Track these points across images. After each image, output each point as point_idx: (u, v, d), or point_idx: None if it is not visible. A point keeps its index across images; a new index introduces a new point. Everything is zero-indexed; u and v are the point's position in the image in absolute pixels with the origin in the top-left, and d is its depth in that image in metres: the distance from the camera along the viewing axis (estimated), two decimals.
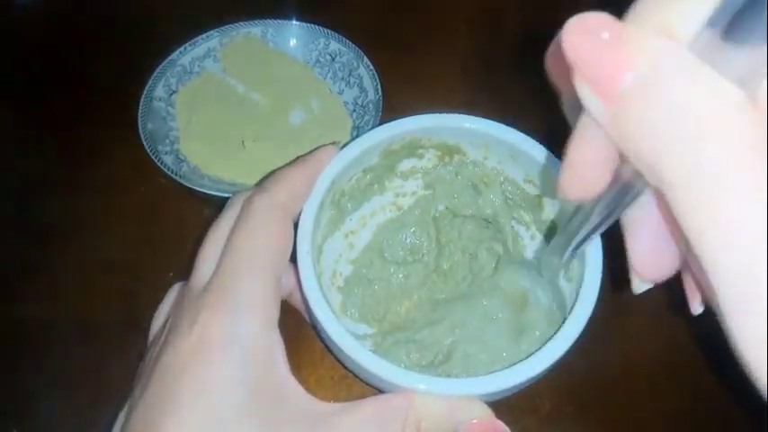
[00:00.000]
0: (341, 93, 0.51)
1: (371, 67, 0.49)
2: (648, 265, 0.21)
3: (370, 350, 0.27)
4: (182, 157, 0.46)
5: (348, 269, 0.39)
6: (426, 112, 0.35)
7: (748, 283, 0.14)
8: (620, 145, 0.16)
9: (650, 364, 0.40)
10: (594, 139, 0.17)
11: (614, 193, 0.19)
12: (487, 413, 0.26)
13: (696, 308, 0.23)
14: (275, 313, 0.27)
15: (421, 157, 0.38)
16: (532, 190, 0.36)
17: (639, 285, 0.22)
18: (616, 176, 0.18)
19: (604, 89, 0.15)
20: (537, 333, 0.33)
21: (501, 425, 0.27)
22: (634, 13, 0.16)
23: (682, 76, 0.15)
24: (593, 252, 0.30)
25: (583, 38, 0.15)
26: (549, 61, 0.19)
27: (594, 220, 0.22)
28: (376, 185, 0.38)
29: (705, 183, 0.14)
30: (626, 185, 0.19)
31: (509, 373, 0.26)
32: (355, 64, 0.50)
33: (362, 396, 0.28)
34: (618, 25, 0.15)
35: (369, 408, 0.26)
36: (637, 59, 0.15)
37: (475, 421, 0.26)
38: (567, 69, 0.16)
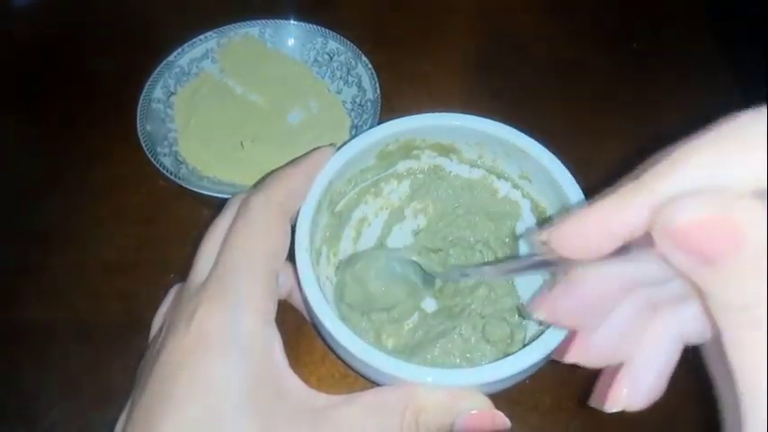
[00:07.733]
0: (339, 92, 0.51)
1: (370, 65, 0.49)
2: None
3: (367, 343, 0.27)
4: (180, 159, 0.46)
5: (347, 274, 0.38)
6: (424, 112, 0.35)
7: None
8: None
9: None
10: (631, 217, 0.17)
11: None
12: (487, 404, 0.26)
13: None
14: (272, 309, 0.27)
15: (417, 158, 0.38)
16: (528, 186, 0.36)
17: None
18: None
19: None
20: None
21: (500, 415, 0.26)
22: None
23: None
24: None
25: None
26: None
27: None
28: (373, 188, 0.38)
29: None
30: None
31: (507, 362, 0.26)
32: (353, 63, 0.50)
33: None
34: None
35: (369, 399, 0.26)
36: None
37: (474, 412, 0.26)
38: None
